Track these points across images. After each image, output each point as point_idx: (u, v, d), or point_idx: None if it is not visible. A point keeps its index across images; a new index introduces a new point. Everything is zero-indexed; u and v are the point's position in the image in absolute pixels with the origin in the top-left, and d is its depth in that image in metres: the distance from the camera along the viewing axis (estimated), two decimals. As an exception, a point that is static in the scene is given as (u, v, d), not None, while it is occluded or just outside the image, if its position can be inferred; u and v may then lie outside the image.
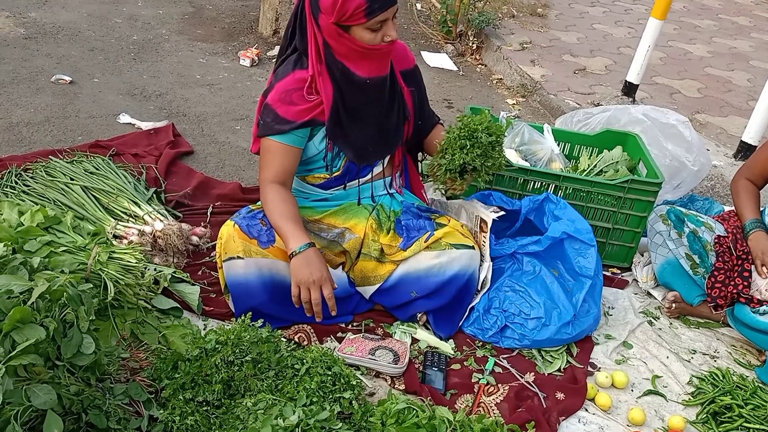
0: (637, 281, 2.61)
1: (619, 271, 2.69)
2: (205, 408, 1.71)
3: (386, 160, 2.28)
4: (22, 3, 4.51)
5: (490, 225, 2.22)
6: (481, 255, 2.25)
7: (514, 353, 2.20)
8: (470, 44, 5.10)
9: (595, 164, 2.77)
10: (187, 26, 4.68)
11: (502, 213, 2.26)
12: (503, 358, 2.17)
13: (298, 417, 1.51)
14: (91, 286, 1.71)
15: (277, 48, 4.44)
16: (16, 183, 2.54)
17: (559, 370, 2.14)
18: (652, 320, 2.44)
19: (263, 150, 2.10)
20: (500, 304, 2.23)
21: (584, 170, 2.76)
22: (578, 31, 5.65)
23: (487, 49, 5.07)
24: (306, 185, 2.25)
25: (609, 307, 2.46)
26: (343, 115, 2.07)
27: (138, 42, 4.28)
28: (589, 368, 2.17)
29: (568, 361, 2.17)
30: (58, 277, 1.62)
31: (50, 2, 4.62)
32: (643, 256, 2.67)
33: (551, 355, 2.19)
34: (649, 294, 2.57)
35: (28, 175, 2.59)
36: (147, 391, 1.74)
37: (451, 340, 2.22)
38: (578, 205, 2.57)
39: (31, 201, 2.39)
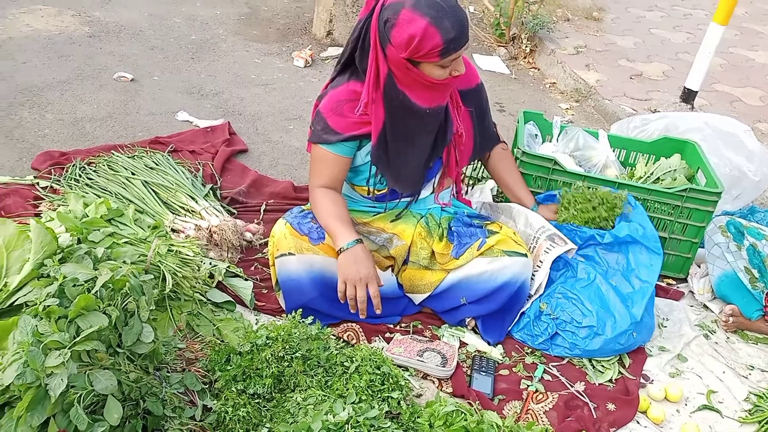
0: (693, 293, 2.54)
1: (674, 282, 2.62)
2: (256, 400, 1.74)
3: (435, 180, 2.27)
4: (87, 2, 4.67)
5: (568, 248, 2.21)
6: (540, 261, 2.23)
7: (564, 361, 2.17)
8: (523, 47, 5.05)
9: (652, 172, 2.71)
10: (243, 27, 4.77)
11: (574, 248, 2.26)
12: (553, 365, 2.15)
13: (348, 414, 1.52)
14: (152, 277, 1.77)
15: (330, 49, 4.52)
16: (80, 176, 2.64)
17: (610, 380, 2.10)
18: (709, 333, 2.37)
19: (313, 156, 2.13)
20: (551, 311, 2.21)
21: (641, 177, 2.71)
22: (635, 36, 5.53)
23: (541, 52, 5.02)
24: (354, 192, 2.27)
25: (663, 319, 2.40)
26: (391, 143, 2.06)
27: (196, 41, 4.39)
28: (642, 380, 2.13)
29: (620, 372, 2.13)
30: (120, 267, 1.68)
31: (113, 2, 4.77)
32: (700, 267, 2.60)
33: (602, 365, 2.15)
34: (705, 307, 2.50)
35: (91, 169, 2.69)
36: (201, 382, 1.79)
37: (499, 345, 2.21)
38: (633, 213, 2.52)
39: (93, 194, 2.48)
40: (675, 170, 2.69)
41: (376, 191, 2.20)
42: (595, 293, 2.20)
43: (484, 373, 2.06)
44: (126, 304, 1.65)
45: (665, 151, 2.82)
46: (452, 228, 2.23)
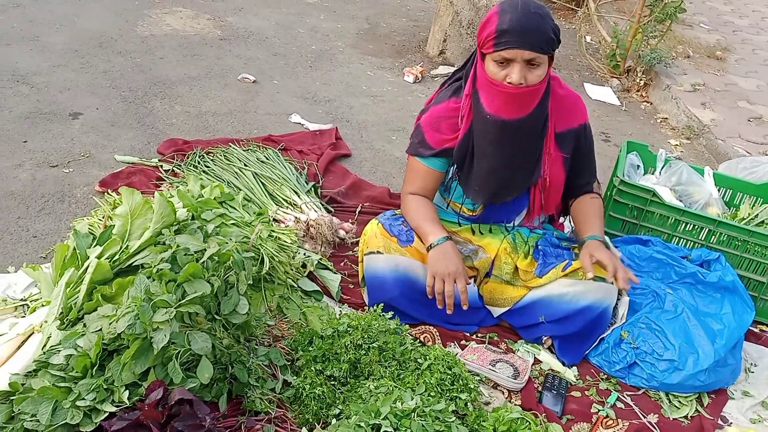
0: (789, 343, 2.42)
1: (768, 330, 2.51)
2: (332, 382, 1.85)
3: (522, 215, 2.28)
4: (222, 8, 5.06)
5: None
6: (620, 291, 2.22)
7: (640, 392, 2.14)
8: (637, 80, 4.96)
9: (757, 214, 2.61)
10: (360, 41, 4.99)
11: None
12: (627, 394, 2.12)
13: (416, 403, 1.60)
14: (252, 255, 1.93)
15: (441, 67, 4.65)
16: (199, 163, 2.89)
17: (686, 417, 2.06)
18: (800, 385, 2.26)
19: (408, 166, 2.23)
20: (632, 340, 2.18)
21: (743, 219, 2.61)
22: (759, 79, 5.28)
23: (655, 87, 4.90)
24: (445, 203, 2.32)
25: (751, 364, 2.31)
26: (471, 148, 2.10)
27: (315, 51, 4.64)
28: (720, 421, 2.06)
29: (696, 410, 2.08)
30: (227, 243, 1.85)
31: (245, 9, 5.14)
32: (799, 318, 2.48)
33: (679, 401, 2.10)
34: (800, 358, 2.38)
35: (209, 158, 2.94)
36: (284, 358, 1.92)
37: (574, 368, 2.21)
38: (732, 254, 2.45)
39: (209, 179, 2.71)
40: (782, 215, 2.58)
41: (466, 209, 2.25)
42: (681, 327, 2.16)
43: (555, 392, 2.07)
44: (227, 277, 1.82)
45: (774, 195, 2.71)
46: (539, 247, 2.25)
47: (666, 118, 4.60)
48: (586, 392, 2.11)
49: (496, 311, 2.30)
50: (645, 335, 2.18)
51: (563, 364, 2.21)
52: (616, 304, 2.22)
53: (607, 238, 2.20)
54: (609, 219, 2.60)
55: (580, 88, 4.83)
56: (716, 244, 2.48)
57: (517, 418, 1.73)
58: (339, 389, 1.85)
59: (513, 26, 1.87)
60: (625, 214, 2.57)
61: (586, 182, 2.28)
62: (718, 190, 2.76)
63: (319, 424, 1.75)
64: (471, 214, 2.26)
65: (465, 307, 2.07)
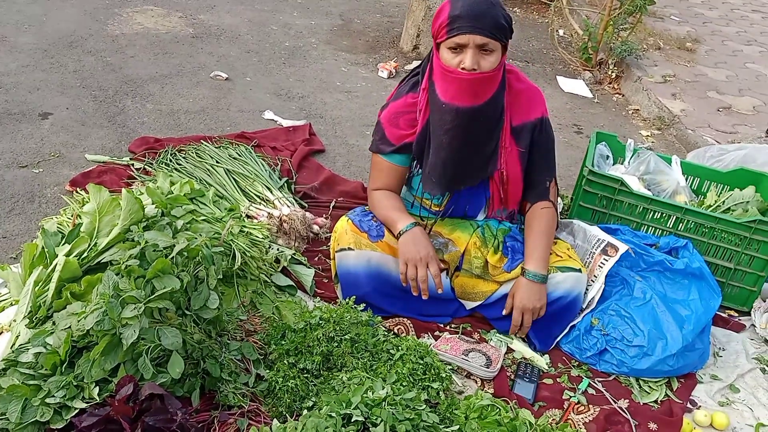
0: (755, 327, 2.47)
1: (736, 314, 2.56)
2: (305, 375, 1.86)
3: (485, 209, 2.29)
4: (194, 6, 5.03)
5: (620, 253, 2.23)
6: (594, 276, 2.26)
7: (611, 378, 2.18)
8: (609, 73, 5.01)
9: (723, 201, 2.66)
10: (334, 37, 4.99)
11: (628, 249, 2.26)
12: (598, 380, 2.16)
13: (386, 392, 1.61)
14: (222, 250, 1.93)
15: (415, 62, 4.66)
16: (171, 161, 2.88)
17: (655, 401, 2.09)
18: (766, 368, 2.31)
19: (372, 163, 2.25)
20: (603, 327, 2.22)
21: (710, 206, 2.66)
22: (728, 69, 5.37)
23: (627, 78, 4.97)
24: (412, 198, 2.32)
25: (719, 348, 2.36)
26: (429, 136, 2.11)
27: (289, 48, 4.63)
28: (689, 405, 2.10)
29: (666, 394, 2.12)
30: (196, 238, 1.85)
31: (217, 7, 5.11)
32: (765, 302, 2.53)
33: (649, 386, 2.14)
34: (766, 341, 2.43)
35: (181, 155, 2.92)
36: (257, 352, 1.93)
37: (546, 355, 2.24)
38: (700, 241, 2.50)
39: (180, 177, 2.69)
40: (748, 202, 2.64)
41: (431, 203, 2.26)
42: (649, 313, 2.20)
43: (527, 380, 2.10)
44: (197, 272, 1.82)
45: (740, 182, 2.76)
46: (507, 243, 2.27)
47: (637, 110, 4.66)
48: (557, 379, 2.14)
49: (469, 305, 2.32)
50: (615, 322, 2.21)
51: (535, 352, 2.23)
52: (587, 289, 2.25)
53: (539, 271, 2.14)
54: (579, 209, 2.63)
55: (553, 81, 4.88)
56: (684, 231, 2.53)
57: (488, 405, 1.76)
58: (312, 382, 1.86)
59: (464, 12, 1.91)
60: (595, 204, 2.61)
61: (543, 181, 2.24)
62: (686, 179, 2.81)
63: (292, 417, 1.76)
64: (436, 209, 2.27)
65: (440, 291, 2.09)
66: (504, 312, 2.21)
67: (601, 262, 2.23)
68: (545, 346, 2.25)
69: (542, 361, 2.20)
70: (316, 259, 2.55)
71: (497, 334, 2.29)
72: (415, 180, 2.23)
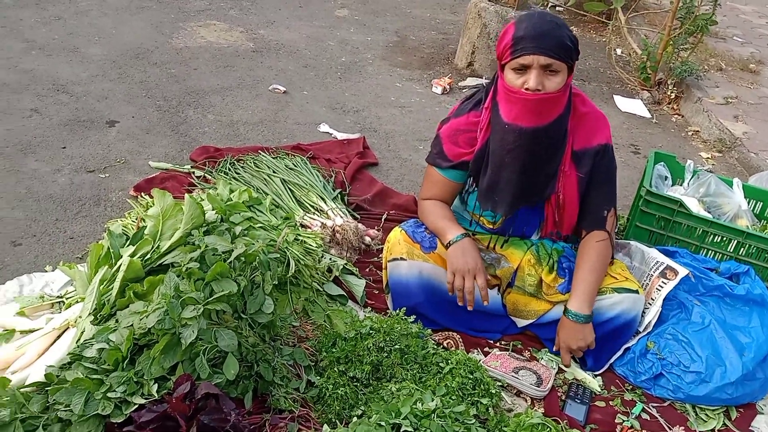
0: (822, 358, 2.36)
1: (801, 344, 2.45)
2: (355, 383, 1.87)
3: (537, 229, 2.27)
4: (255, 21, 5.17)
5: (680, 277, 2.19)
6: (652, 299, 2.21)
7: (666, 404, 2.12)
8: (668, 93, 4.92)
9: (789, 226, 2.58)
10: (390, 53, 5.05)
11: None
12: (653, 406, 2.10)
13: (436, 404, 1.61)
14: (278, 256, 1.97)
15: (469, 79, 4.68)
16: (230, 169, 2.96)
17: (712, 430, 2.02)
18: (832, 401, 2.21)
19: (426, 174, 2.27)
20: (659, 351, 2.16)
21: (775, 231, 2.58)
22: (795, 92, 5.20)
23: (687, 99, 4.86)
24: (466, 213, 2.33)
25: (782, 378, 2.26)
26: (489, 156, 2.10)
27: (345, 63, 4.71)
28: (748, 436, 2.03)
29: (724, 424, 2.05)
30: (253, 244, 1.90)
31: (277, 23, 5.24)
32: (833, 332, 2.42)
33: (706, 413, 2.07)
34: (834, 374, 2.32)
35: (239, 165, 3.00)
36: (309, 359, 1.95)
37: (599, 378, 2.19)
38: (762, 267, 2.42)
39: (238, 185, 2.77)
40: (814, 228, 2.54)
41: (485, 221, 2.25)
42: (708, 339, 2.14)
43: (578, 401, 2.06)
44: (254, 277, 1.86)
45: (807, 207, 2.67)
46: (563, 264, 2.23)
47: (697, 131, 4.55)
48: (610, 402, 2.09)
49: (521, 322, 2.30)
50: (672, 346, 2.16)
51: (588, 374, 2.19)
52: (643, 312, 2.20)
53: (581, 311, 2.08)
54: (635, 230, 2.59)
55: (610, 100, 4.81)
56: (745, 256, 2.45)
57: (539, 424, 1.73)
58: (361, 390, 1.87)
59: (528, 32, 1.91)
60: (652, 225, 2.56)
61: (600, 210, 2.17)
62: (748, 202, 2.73)
63: (341, 424, 1.78)
64: (491, 226, 2.26)
65: (485, 303, 2.08)
66: (554, 349, 2.20)
67: (659, 285, 2.18)
68: (598, 366, 2.20)
69: (595, 384, 2.16)
70: (367, 270, 2.57)
71: (548, 353, 2.25)
72: (471, 198, 2.24)
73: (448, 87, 4.48)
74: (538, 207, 2.21)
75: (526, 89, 1.94)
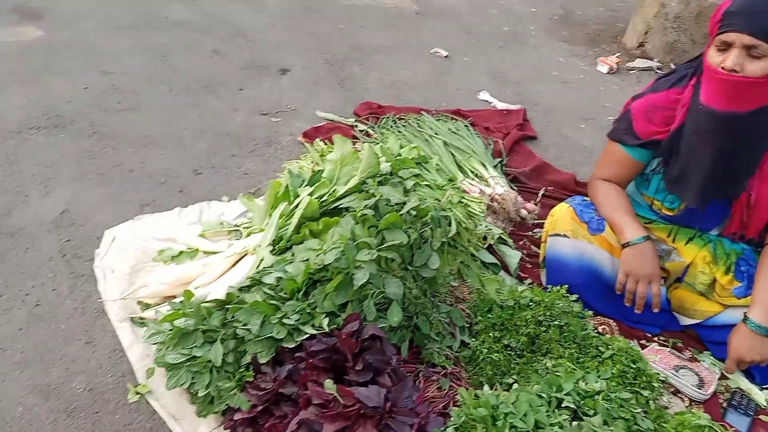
0: None
1: None
2: (509, 352, 1.86)
3: (720, 227, 2.10)
4: (421, -15, 5.17)
5: None
6: None
7: (841, 431, 1.93)
8: None
9: None
10: (554, 26, 4.88)
11: None
12: (825, 430, 1.92)
13: (600, 387, 1.56)
14: (448, 215, 1.98)
15: (638, 60, 4.43)
16: (391, 126, 3.00)
17: None
18: None
19: (606, 149, 2.14)
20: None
21: None
22: None
23: None
24: (639, 197, 2.22)
25: None
26: (682, 139, 1.96)
27: (507, 32, 4.61)
28: None
29: None
30: (426, 199, 1.92)
31: (442, -13, 5.22)
32: None
33: None
34: None
35: (401, 123, 3.03)
36: (464, 320, 1.96)
37: (766, 391, 2.03)
38: None
39: (406, 142, 2.80)
40: None
41: (664, 208, 2.13)
42: None
43: (741, 411, 1.92)
44: (423, 232, 1.88)
45: None
46: (741, 266, 2.07)
47: None
48: (777, 418, 1.94)
49: (684, 320, 2.17)
50: None
51: (754, 384, 2.04)
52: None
53: (764, 323, 1.90)
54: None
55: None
56: None
57: (705, 427, 1.63)
58: (515, 360, 1.85)
59: (739, 8, 1.75)
60: None
61: None
62: None
63: (492, 389, 1.77)
64: (669, 213, 2.13)
65: (656, 311, 1.98)
66: (724, 369, 2.03)
67: None
68: (766, 380, 2.04)
69: (761, 397, 2.01)
70: (521, 243, 2.52)
71: (711, 357, 2.12)
72: (655, 180, 2.11)
73: (616, 66, 4.25)
74: (725, 202, 2.05)
75: (722, 69, 1.79)
